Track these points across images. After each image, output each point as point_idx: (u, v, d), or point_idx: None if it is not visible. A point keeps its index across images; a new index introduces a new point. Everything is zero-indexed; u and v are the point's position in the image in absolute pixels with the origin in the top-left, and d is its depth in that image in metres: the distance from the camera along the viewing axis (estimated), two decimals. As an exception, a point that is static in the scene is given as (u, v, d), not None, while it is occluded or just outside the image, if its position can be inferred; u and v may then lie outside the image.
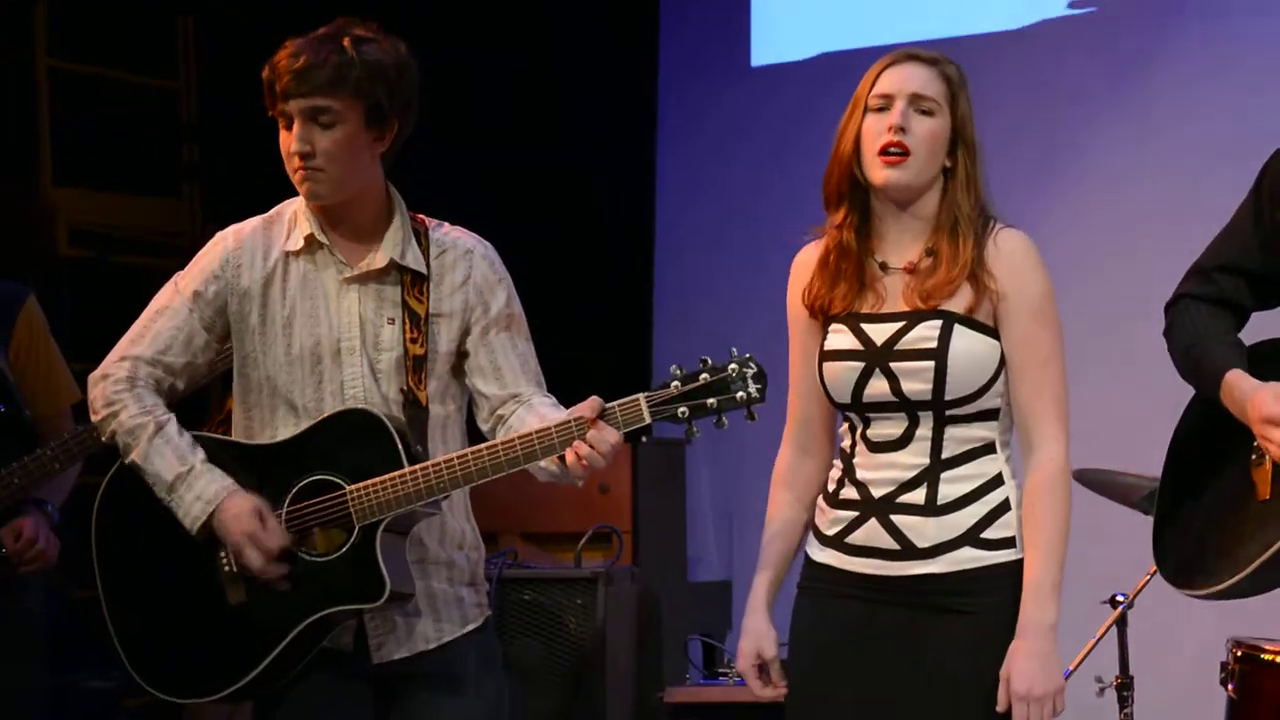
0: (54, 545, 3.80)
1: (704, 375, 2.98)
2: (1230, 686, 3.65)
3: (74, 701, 4.98)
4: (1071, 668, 4.10)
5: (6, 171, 5.96)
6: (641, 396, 3.00)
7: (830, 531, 3.06)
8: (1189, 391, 3.40)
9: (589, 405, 3.01)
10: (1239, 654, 3.65)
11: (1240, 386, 3.13)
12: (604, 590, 4.66)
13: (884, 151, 2.98)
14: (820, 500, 3.12)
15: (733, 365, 2.97)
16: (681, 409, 2.98)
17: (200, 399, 3.88)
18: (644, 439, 5.74)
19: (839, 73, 3.93)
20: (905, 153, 2.98)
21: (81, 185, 6.05)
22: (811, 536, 3.12)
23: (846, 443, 3.09)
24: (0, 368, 3.81)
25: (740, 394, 2.97)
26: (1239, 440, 3.16)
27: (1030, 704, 2.93)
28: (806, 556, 3.12)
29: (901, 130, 2.98)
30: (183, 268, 3.30)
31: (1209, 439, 3.23)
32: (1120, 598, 4.18)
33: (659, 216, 6.41)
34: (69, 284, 5.87)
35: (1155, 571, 4.05)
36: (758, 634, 3.10)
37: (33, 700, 3.85)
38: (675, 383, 2.99)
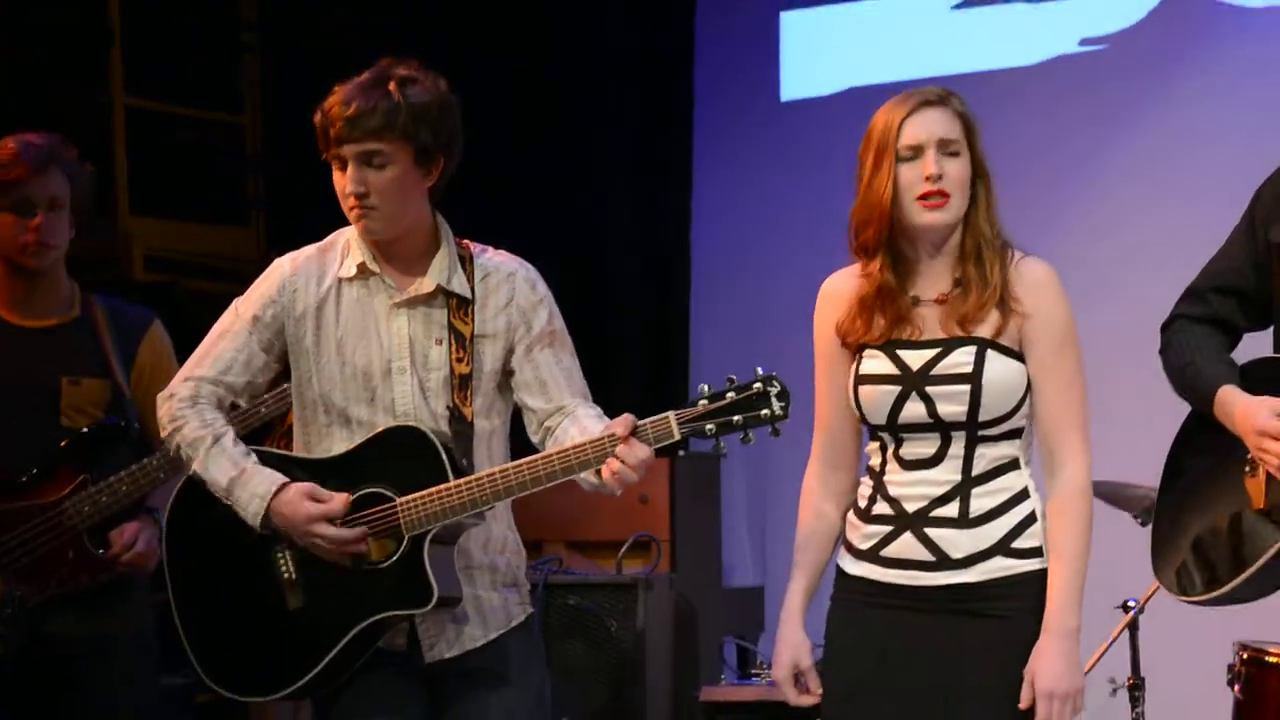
0: (154, 552, 3.77)
1: (730, 394, 2.97)
2: (1237, 687, 3.63)
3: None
4: (1086, 669, 4.08)
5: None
6: (671, 414, 2.99)
7: (864, 546, 3.05)
8: (1187, 410, 3.41)
9: (621, 423, 3.01)
10: (1245, 656, 3.63)
11: (1232, 401, 3.14)
12: (644, 595, 4.66)
13: (924, 198, 2.99)
14: (851, 516, 3.11)
15: (757, 384, 2.96)
16: (709, 426, 2.98)
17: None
18: (681, 453, 5.78)
19: (865, 107, 3.91)
20: (945, 196, 2.99)
21: (155, 215, 6.10)
22: (843, 550, 3.10)
23: (876, 461, 3.08)
24: (120, 384, 3.84)
25: (765, 412, 2.96)
26: (1233, 453, 3.17)
27: (1054, 701, 2.93)
28: (839, 570, 3.10)
29: (939, 178, 2.98)
30: (249, 292, 3.33)
31: (1204, 453, 3.25)
32: (1132, 603, 4.17)
33: (695, 242, 6.41)
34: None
35: (1162, 579, 4.08)
36: (794, 644, 3.09)
37: (150, 713, 3.86)
38: (703, 401, 2.98)
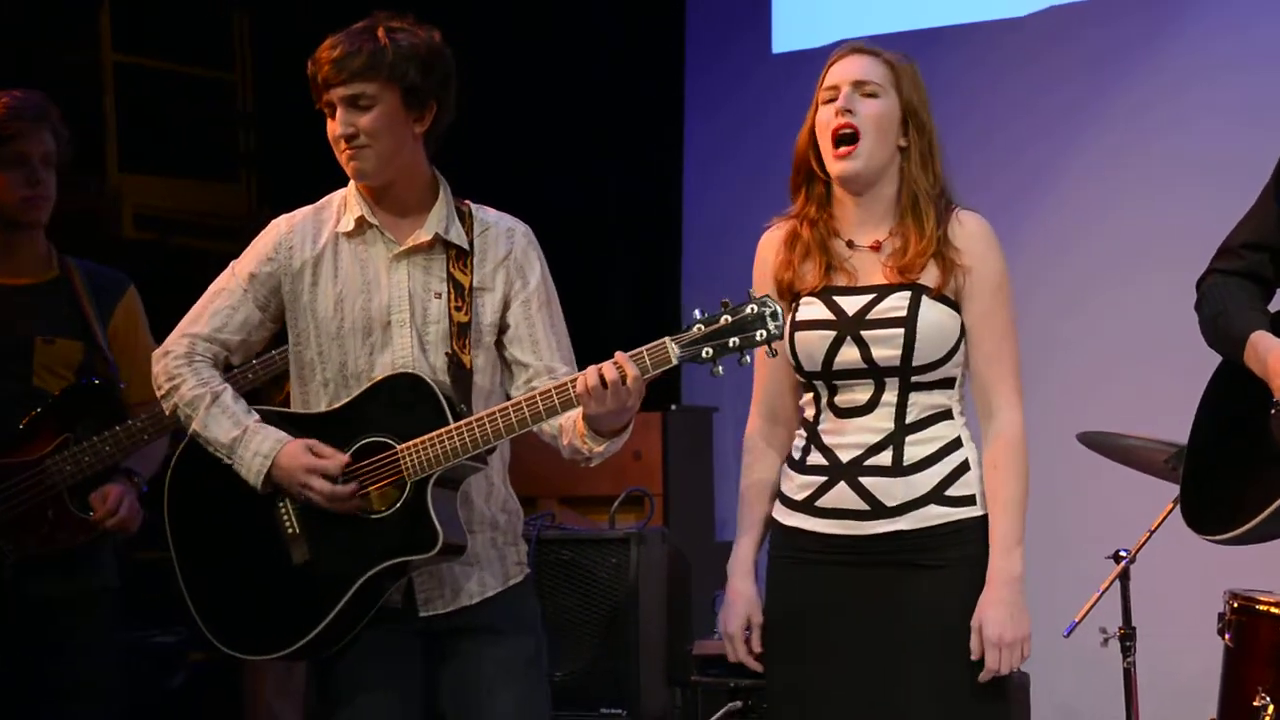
0: (137, 514, 3.80)
1: (725, 317, 2.94)
2: (1227, 636, 3.68)
3: (141, 655, 5.02)
4: (1077, 619, 4.11)
5: (76, 160, 5.98)
6: (668, 339, 2.97)
7: (799, 496, 3.08)
8: (1187, 360, 3.42)
9: (617, 356, 3.00)
10: (1235, 605, 3.68)
11: (1262, 345, 3.18)
12: (636, 550, 4.67)
13: (837, 141, 3.03)
14: (785, 468, 3.12)
15: (751, 306, 2.94)
16: (706, 349, 2.94)
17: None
18: (673, 407, 5.77)
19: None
20: (855, 137, 3.02)
21: (145, 172, 6.08)
22: (778, 503, 3.12)
23: (810, 412, 3.10)
24: (100, 345, 3.84)
25: (760, 333, 2.92)
26: (1262, 399, 3.20)
27: (1002, 649, 2.97)
28: (775, 523, 3.12)
29: (848, 112, 3.03)
30: (240, 248, 3.32)
31: (1234, 400, 3.27)
32: (1123, 553, 4.17)
33: (686, 196, 6.41)
34: (133, 265, 5.89)
35: (1157, 528, 4.10)
36: (748, 597, 3.12)
37: (113, 669, 3.85)
38: (699, 325, 2.95)
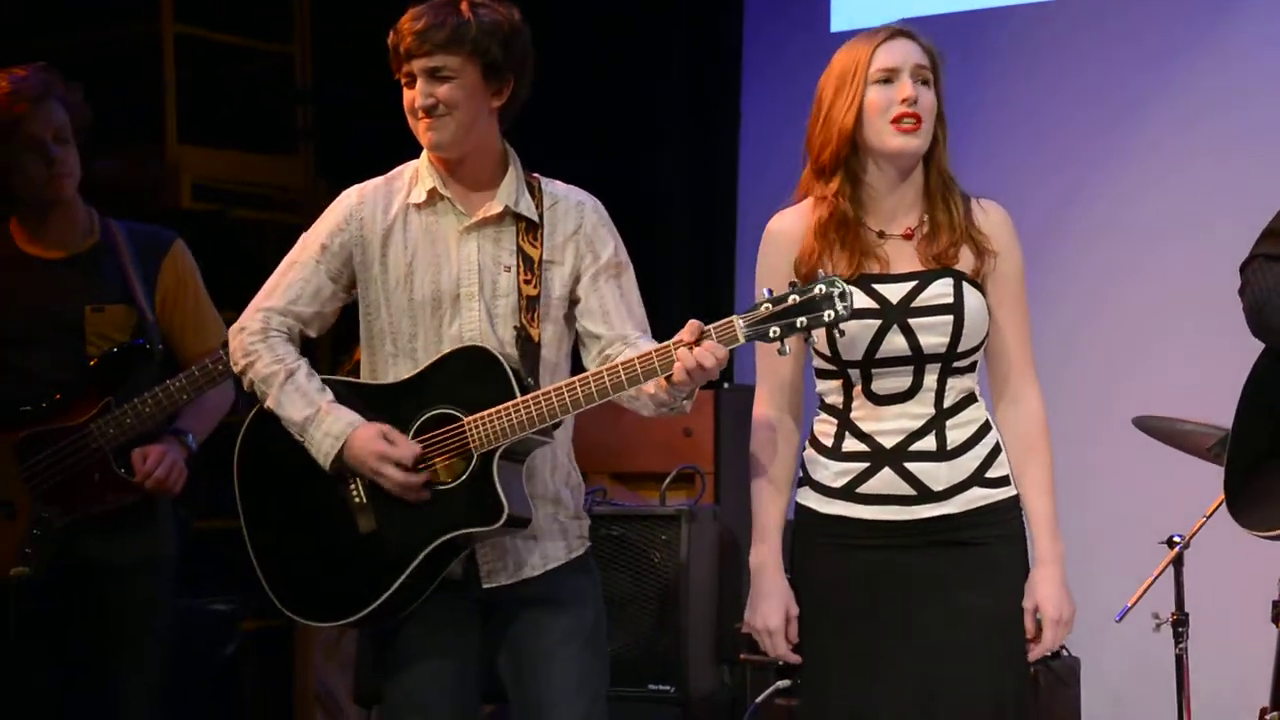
0: (179, 474, 3.81)
1: (793, 296, 2.94)
2: (1281, 623, 3.66)
3: (196, 622, 5.05)
4: (1130, 604, 4.10)
5: (135, 131, 6.02)
6: (735, 317, 2.98)
7: (837, 484, 3.06)
8: (1245, 344, 3.39)
9: (688, 329, 3.01)
10: (1290, 593, 3.65)
11: None
12: (687, 527, 4.68)
13: (898, 120, 2.99)
14: (814, 455, 3.11)
15: (819, 286, 2.92)
16: (773, 329, 2.94)
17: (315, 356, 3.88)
18: (725, 385, 5.76)
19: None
20: (918, 120, 3.00)
21: (204, 144, 6.11)
22: (809, 491, 3.11)
23: (836, 399, 3.08)
24: (142, 308, 3.85)
25: (828, 313, 2.90)
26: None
27: (1060, 626, 3.02)
28: (807, 510, 3.10)
29: (915, 101, 3.00)
30: (297, 221, 3.34)
31: (1277, 389, 3.28)
32: (1177, 538, 4.17)
33: (741, 173, 6.39)
34: (191, 236, 5.91)
35: (1211, 514, 4.07)
36: (784, 592, 3.10)
37: (156, 638, 3.86)
38: (766, 304, 2.95)
